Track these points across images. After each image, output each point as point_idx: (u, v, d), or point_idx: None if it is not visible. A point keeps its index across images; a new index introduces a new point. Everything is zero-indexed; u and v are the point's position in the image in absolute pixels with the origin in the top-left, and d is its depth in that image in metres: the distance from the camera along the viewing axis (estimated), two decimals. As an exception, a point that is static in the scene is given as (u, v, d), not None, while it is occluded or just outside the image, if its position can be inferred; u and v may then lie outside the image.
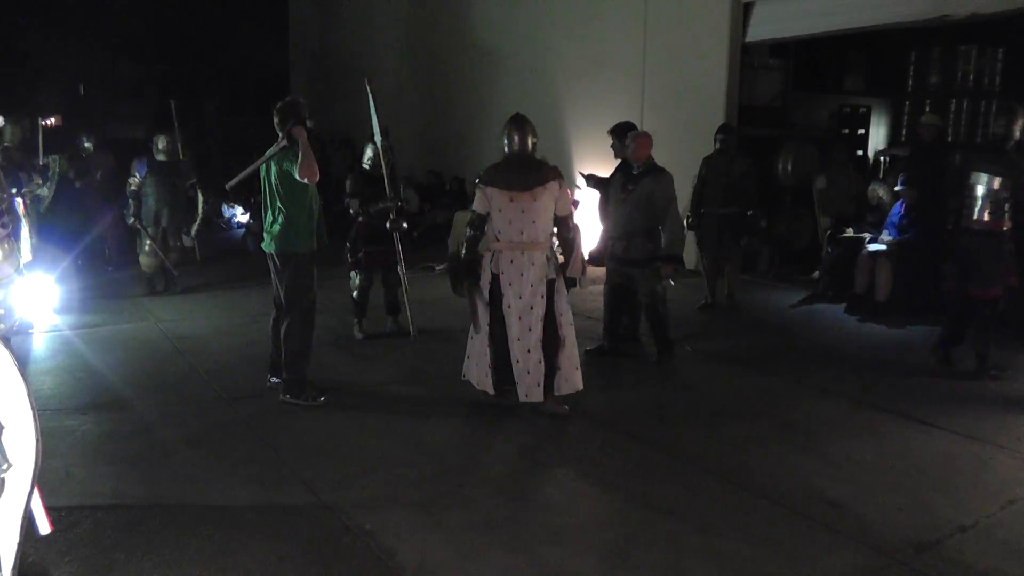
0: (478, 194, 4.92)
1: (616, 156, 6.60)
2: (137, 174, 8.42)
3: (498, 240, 4.85)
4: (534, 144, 4.95)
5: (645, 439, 4.63)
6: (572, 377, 4.94)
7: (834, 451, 4.47)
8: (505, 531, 3.55)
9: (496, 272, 4.85)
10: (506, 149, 4.93)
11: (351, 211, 6.59)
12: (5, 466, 2.43)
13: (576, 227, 5.11)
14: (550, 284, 4.86)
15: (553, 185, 4.82)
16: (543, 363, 4.82)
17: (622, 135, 6.53)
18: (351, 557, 3.32)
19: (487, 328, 4.88)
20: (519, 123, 4.94)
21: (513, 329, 4.80)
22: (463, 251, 5.02)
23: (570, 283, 5.41)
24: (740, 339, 6.91)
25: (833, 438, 4.66)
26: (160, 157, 8.47)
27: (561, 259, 5.05)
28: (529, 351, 4.79)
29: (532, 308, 4.80)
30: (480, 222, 4.90)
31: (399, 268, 6.46)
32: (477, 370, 4.98)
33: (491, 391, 4.91)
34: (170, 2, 21.83)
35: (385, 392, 5.49)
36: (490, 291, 4.88)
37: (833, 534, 3.54)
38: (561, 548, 3.41)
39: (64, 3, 20.42)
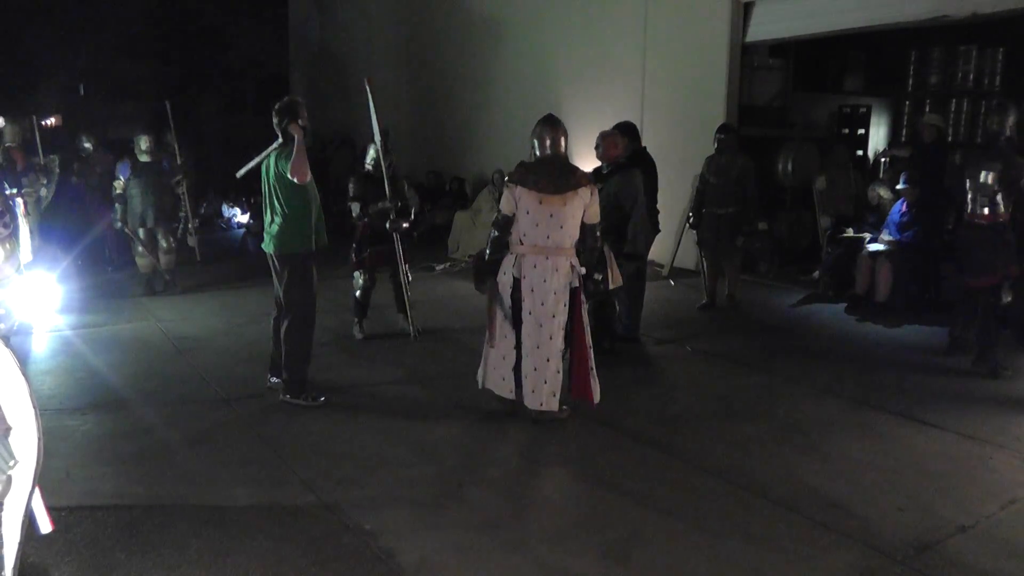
0: (506, 193, 4.73)
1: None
2: (121, 176, 8.35)
3: (522, 243, 4.70)
4: (567, 146, 4.84)
5: (645, 439, 4.63)
6: (595, 388, 4.83)
7: (834, 451, 4.47)
8: (505, 531, 3.55)
9: (518, 276, 4.72)
10: (537, 151, 4.79)
11: (353, 215, 6.60)
12: (12, 463, 2.44)
13: (602, 236, 5.00)
14: (573, 293, 4.74)
15: (584, 191, 4.66)
16: (561, 373, 4.72)
17: (624, 135, 6.53)
18: (351, 557, 3.32)
19: (503, 334, 4.76)
20: (552, 124, 4.81)
21: (532, 337, 4.67)
22: (487, 251, 4.89)
23: (613, 294, 5.36)
24: (740, 339, 6.91)
25: (833, 438, 4.66)
26: (143, 158, 8.37)
27: (583, 268, 4.86)
28: (549, 360, 4.66)
29: (554, 316, 4.66)
30: (506, 223, 4.73)
31: (401, 268, 6.49)
32: (494, 374, 4.85)
33: (510, 396, 4.78)
34: (170, 2, 21.85)
35: (385, 392, 5.49)
36: (511, 295, 4.75)
37: (833, 534, 3.54)
38: (561, 548, 3.41)
39: (64, 3, 20.43)
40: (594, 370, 4.83)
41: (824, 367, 6.04)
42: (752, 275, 9.10)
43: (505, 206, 4.74)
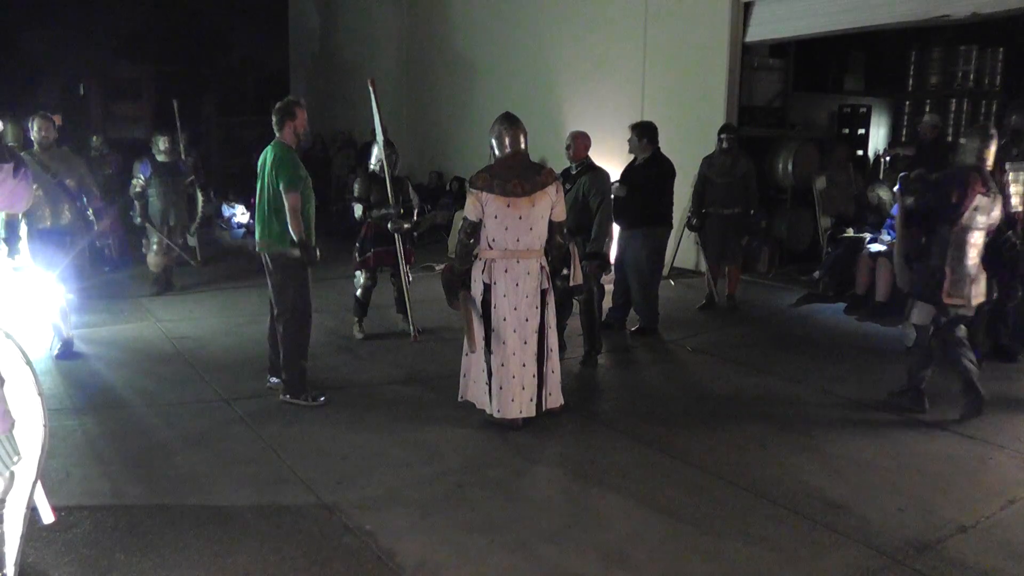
0: (470, 200, 4.63)
1: (631, 151, 6.84)
2: (141, 175, 8.46)
3: (491, 248, 4.63)
4: (527, 144, 4.76)
5: (645, 439, 4.63)
6: (556, 392, 4.83)
7: (834, 451, 4.47)
8: (505, 531, 3.55)
9: (488, 282, 4.65)
10: (496, 151, 4.73)
11: (356, 216, 6.61)
12: (16, 458, 2.44)
13: (568, 234, 4.97)
14: (543, 294, 4.70)
15: (551, 189, 4.63)
16: (536, 377, 4.69)
17: (643, 134, 6.73)
18: (351, 557, 3.32)
19: (483, 343, 4.70)
20: (512, 122, 4.73)
21: (507, 344, 4.62)
22: (457, 261, 4.81)
23: (576, 291, 5.35)
24: (740, 339, 6.91)
25: (833, 438, 4.66)
26: (161, 158, 8.51)
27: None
28: (524, 365, 4.63)
29: (528, 320, 4.62)
30: (473, 230, 4.65)
31: (402, 268, 6.50)
32: (475, 388, 4.80)
33: (490, 410, 4.70)
34: (170, 2, 21.86)
35: (385, 392, 5.49)
36: (481, 302, 4.68)
37: (833, 534, 3.54)
38: (561, 548, 3.41)
39: (64, 3, 20.43)
40: (558, 372, 4.84)
41: (824, 367, 6.04)
42: (752, 275, 9.09)
43: (471, 212, 4.64)
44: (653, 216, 6.74)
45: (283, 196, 4.88)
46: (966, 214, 4.77)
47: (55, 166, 6.26)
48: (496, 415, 4.67)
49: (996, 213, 4.90)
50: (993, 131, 4.97)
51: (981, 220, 4.84)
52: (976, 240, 4.86)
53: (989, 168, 4.90)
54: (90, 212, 6.39)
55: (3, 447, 2.39)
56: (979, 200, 4.77)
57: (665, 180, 6.83)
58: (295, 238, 4.92)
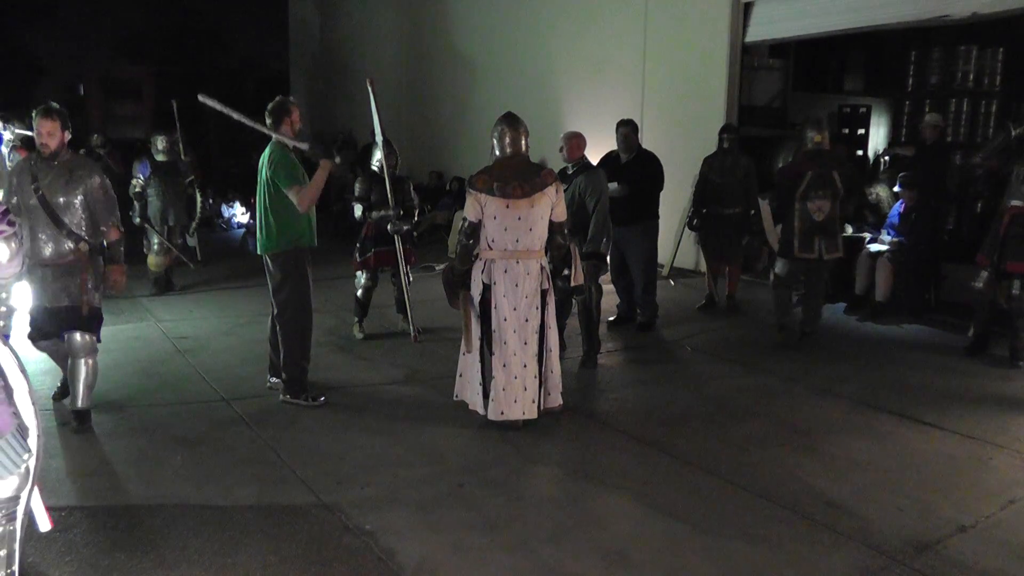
0: (469, 200, 4.63)
1: (625, 150, 6.94)
2: (140, 175, 8.50)
3: (491, 248, 4.63)
4: (528, 145, 4.75)
5: (645, 439, 4.63)
6: (555, 392, 4.82)
7: (834, 451, 4.47)
8: (505, 531, 3.55)
9: (488, 283, 4.65)
10: (497, 151, 4.72)
11: (356, 216, 6.62)
12: (27, 455, 2.44)
13: (570, 235, 4.97)
14: (543, 295, 4.70)
15: (551, 190, 4.62)
16: (538, 378, 4.68)
17: (636, 129, 6.98)
18: (351, 557, 3.32)
19: (478, 344, 4.70)
20: (513, 122, 4.72)
21: (508, 344, 4.61)
22: (457, 261, 4.81)
23: (577, 292, 5.34)
24: (740, 339, 6.90)
25: (833, 438, 4.66)
26: (160, 157, 8.56)
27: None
28: (526, 366, 4.62)
29: (528, 321, 4.62)
30: (473, 230, 4.65)
31: (402, 268, 6.51)
32: (468, 389, 4.80)
33: (482, 411, 4.70)
34: (170, 2, 21.87)
35: (385, 392, 5.49)
36: (481, 302, 4.68)
37: (833, 534, 3.54)
38: (561, 548, 3.41)
39: (64, 3, 20.44)
40: (558, 373, 4.83)
41: (824, 367, 6.04)
42: (752, 275, 9.09)
43: (471, 213, 4.64)
44: (649, 210, 6.97)
45: (287, 195, 4.87)
46: (803, 187, 6.23)
47: (50, 183, 4.57)
48: (498, 417, 4.65)
49: (838, 185, 6.27)
50: (821, 120, 6.64)
51: (821, 192, 6.24)
52: (820, 206, 6.25)
53: (827, 148, 6.39)
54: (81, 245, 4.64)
55: (11, 446, 2.38)
56: (810, 177, 6.22)
57: (659, 174, 7.03)
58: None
